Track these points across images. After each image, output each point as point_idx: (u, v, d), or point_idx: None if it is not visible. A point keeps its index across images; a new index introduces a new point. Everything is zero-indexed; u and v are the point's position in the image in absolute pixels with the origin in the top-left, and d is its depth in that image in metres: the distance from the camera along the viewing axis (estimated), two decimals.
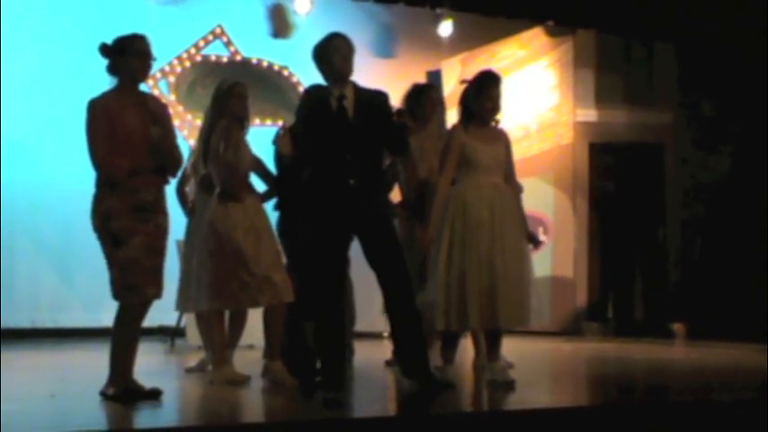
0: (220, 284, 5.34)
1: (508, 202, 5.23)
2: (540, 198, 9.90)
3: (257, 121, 8.80)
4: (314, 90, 5.82)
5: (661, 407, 4.48)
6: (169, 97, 9.81)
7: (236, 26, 10.27)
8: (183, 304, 6.32)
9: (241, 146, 5.39)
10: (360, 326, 6.77)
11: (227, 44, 10.25)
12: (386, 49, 10.77)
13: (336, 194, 5.13)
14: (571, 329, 9.96)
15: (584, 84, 10.28)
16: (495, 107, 5.23)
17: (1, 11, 8.77)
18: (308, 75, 6.18)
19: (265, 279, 5.26)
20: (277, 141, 5.17)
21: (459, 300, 5.08)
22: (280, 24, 10.49)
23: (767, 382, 5.06)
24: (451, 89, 10.00)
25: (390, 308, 5.21)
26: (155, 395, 4.58)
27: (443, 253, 5.14)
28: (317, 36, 5.38)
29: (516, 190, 5.45)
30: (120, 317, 4.53)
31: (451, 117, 7.10)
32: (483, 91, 5.22)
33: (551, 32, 10.27)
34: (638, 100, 10.31)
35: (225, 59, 10.21)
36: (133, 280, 4.47)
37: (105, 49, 4.65)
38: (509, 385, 5.11)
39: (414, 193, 6.17)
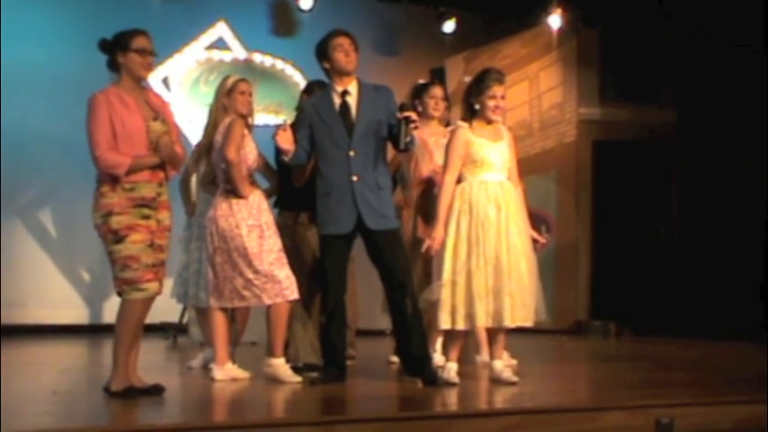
0: (224, 282, 5.34)
1: (513, 199, 5.22)
2: (544, 196, 9.91)
3: (261, 117, 8.79)
4: (316, 86, 5.84)
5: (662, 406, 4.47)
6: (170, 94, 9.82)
7: (239, 22, 10.27)
8: (176, 292, 6.35)
9: (245, 143, 5.38)
10: (362, 323, 6.77)
11: (230, 40, 10.24)
12: (389, 47, 10.77)
13: (339, 191, 5.14)
14: (574, 328, 9.96)
15: (587, 81, 10.28)
16: (498, 104, 5.22)
17: (1, 6, 8.77)
18: (311, 71, 6.18)
19: (269, 276, 5.25)
20: (277, 137, 5.17)
21: (466, 298, 5.08)
22: (283, 21, 10.49)
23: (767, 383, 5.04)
24: (455, 87, 10.01)
25: (392, 305, 5.22)
26: (157, 392, 4.58)
27: (449, 251, 5.13)
28: (320, 33, 5.39)
29: (520, 188, 5.44)
30: (122, 313, 4.52)
31: (455, 115, 7.09)
32: (486, 88, 5.21)
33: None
34: (641, 98, 10.30)
35: (228, 58, 10.21)
36: (134, 276, 4.47)
37: (105, 45, 4.64)
38: (511, 384, 5.12)
39: (417, 190, 6.16)
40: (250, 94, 5.55)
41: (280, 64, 10.34)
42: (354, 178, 5.12)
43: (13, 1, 9.01)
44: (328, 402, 4.68)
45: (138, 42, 4.60)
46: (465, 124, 5.27)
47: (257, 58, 10.31)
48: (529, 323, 5.20)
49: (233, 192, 5.33)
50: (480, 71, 5.35)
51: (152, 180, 4.56)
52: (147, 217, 4.52)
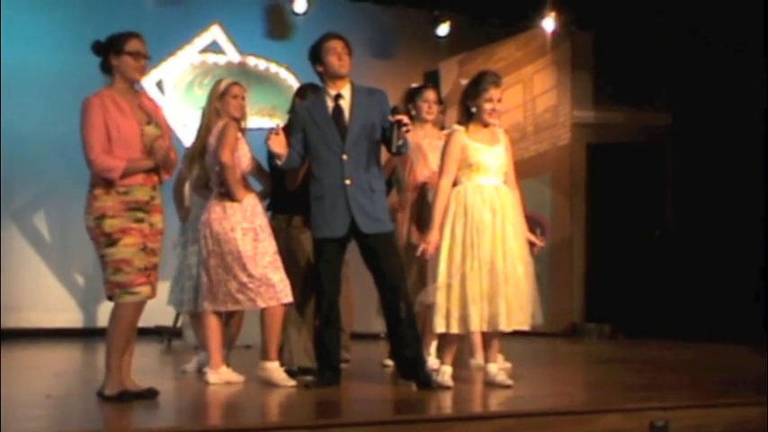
0: (218, 285, 5.34)
1: (510, 203, 5.21)
2: (538, 199, 9.90)
3: (255, 121, 8.78)
4: (309, 89, 5.84)
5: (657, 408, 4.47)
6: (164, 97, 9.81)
7: (233, 26, 10.26)
8: (174, 300, 6.33)
9: (239, 145, 5.38)
10: (356, 327, 6.76)
11: (225, 43, 10.24)
12: (384, 50, 10.77)
13: (333, 195, 5.13)
14: (569, 330, 9.96)
15: (581, 84, 10.29)
16: (494, 107, 5.21)
17: (1, 8, 8.77)
18: (305, 75, 6.18)
19: (263, 280, 5.24)
20: (270, 141, 5.16)
21: (461, 302, 5.07)
22: (277, 24, 10.49)
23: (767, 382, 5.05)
24: (449, 90, 10.01)
25: (387, 308, 5.21)
26: (151, 395, 4.57)
27: (444, 254, 5.12)
28: (314, 36, 5.39)
29: (516, 191, 5.43)
30: (115, 317, 4.51)
31: (450, 118, 7.09)
32: (482, 91, 5.20)
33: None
34: (636, 101, 10.31)
35: (223, 61, 10.21)
36: (126, 280, 4.46)
37: (99, 47, 4.63)
38: (506, 387, 5.11)
39: (412, 194, 6.16)
40: (243, 98, 5.54)
41: (274, 67, 10.33)
42: (347, 182, 5.12)
43: (9, 2, 8.99)
44: (323, 406, 4.67)
45: (132, 45, 4.59)
46: (461, 128, 5.26)
47: (251, 61, 10.31)
48: (525, 327, 5.20)
49: (227, 195, 5.33)
50: (477, 74, 5.34)
51: (146, 183, 4.55)
52: (140, 220, 4.50)
